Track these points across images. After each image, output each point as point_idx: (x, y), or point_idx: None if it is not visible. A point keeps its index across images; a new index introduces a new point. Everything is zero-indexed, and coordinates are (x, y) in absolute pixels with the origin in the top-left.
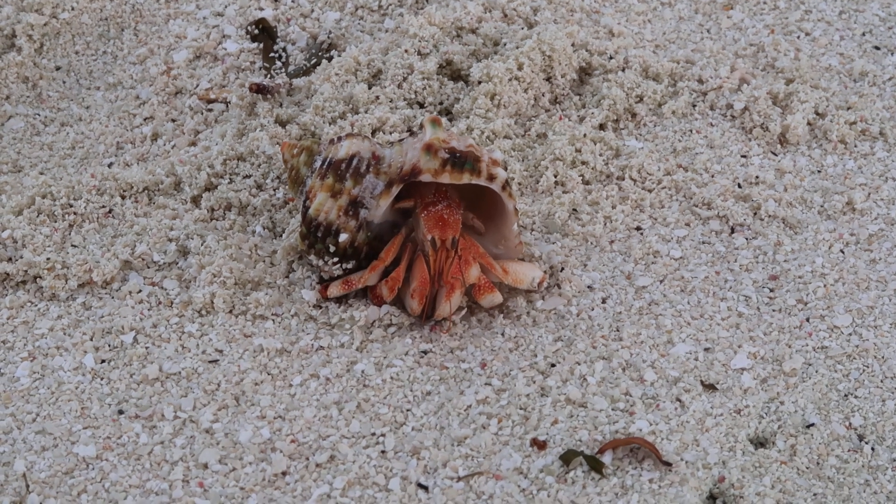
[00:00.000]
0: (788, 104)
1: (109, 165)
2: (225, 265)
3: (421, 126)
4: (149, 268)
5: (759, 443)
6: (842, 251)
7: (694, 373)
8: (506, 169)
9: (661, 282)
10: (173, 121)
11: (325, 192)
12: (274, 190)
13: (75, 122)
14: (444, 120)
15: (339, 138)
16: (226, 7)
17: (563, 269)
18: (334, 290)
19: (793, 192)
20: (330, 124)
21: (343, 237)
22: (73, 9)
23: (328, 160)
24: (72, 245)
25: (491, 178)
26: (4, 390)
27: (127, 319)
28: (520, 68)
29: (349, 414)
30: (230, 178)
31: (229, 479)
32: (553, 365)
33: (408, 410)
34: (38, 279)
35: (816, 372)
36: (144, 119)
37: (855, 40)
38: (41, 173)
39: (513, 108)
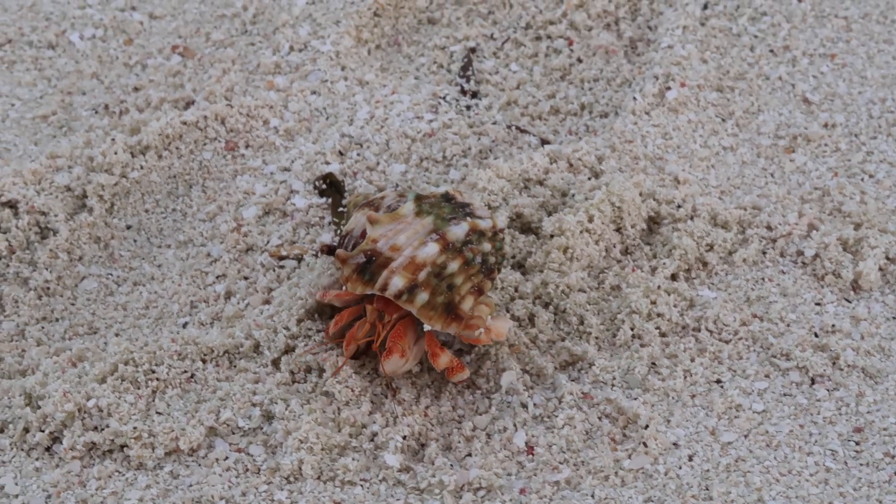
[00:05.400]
0: (858, 250)
1: (184, 325)
2: (311, 431)
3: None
4: (234, 434)
5: None
6: None
7: None
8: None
9: (746, 436)
10: (245, 278)
11: None
12: None
13: (148, 281)
14: (380, 215)
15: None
16: (293, 162)
17: (647, 426)
18: (331, 296)
19: (870, 341)
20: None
21: None
22: (141, 168)
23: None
24: (156, 412)
25: (384, 287)
26: None
27: (216, 488)
28: (590, 220)
29: None
30: (306, 340)
31: None
32: None
33: None
34: (124, 448)
35: None
36: (217, 277)
37: None
38: (117, 334)
39: (585, 261)
